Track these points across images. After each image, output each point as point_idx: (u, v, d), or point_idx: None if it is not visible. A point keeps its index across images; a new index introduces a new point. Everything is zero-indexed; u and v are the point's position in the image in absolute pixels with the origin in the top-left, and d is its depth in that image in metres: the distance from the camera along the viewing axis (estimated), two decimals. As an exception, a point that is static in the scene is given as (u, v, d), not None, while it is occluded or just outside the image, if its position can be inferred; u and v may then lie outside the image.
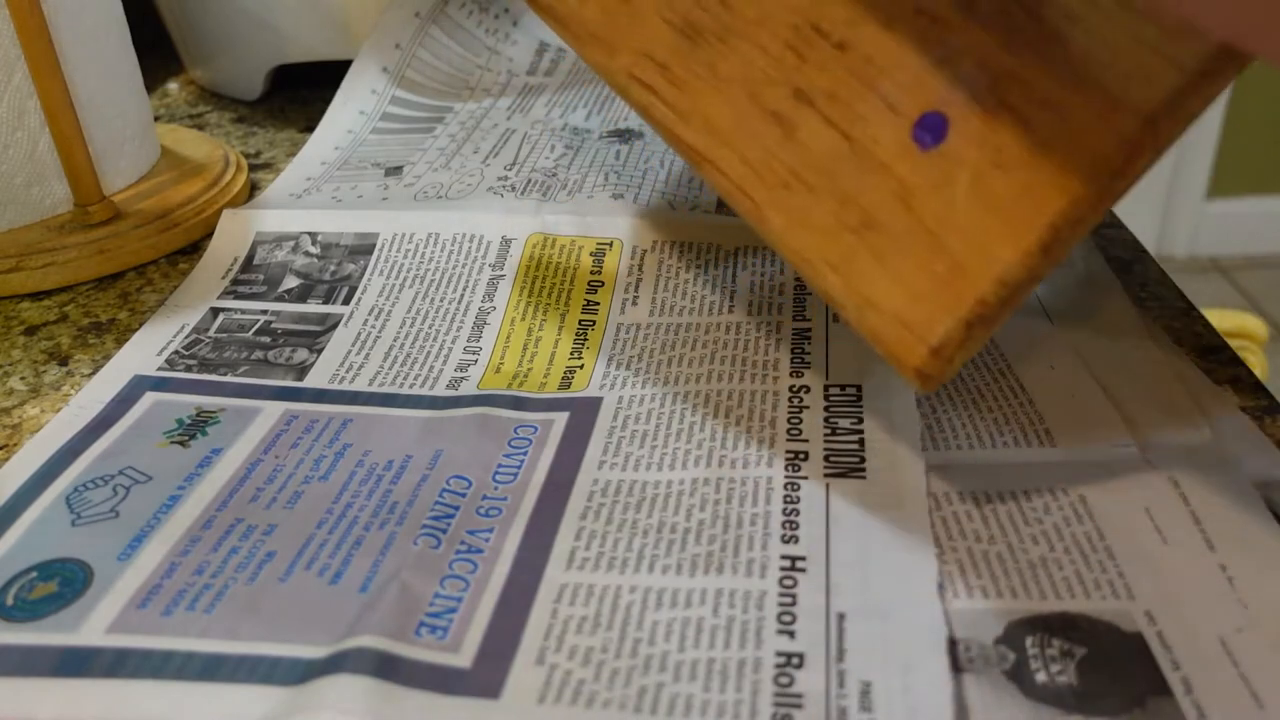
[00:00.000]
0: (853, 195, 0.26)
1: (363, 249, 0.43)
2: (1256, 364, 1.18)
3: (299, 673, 0.25)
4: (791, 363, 0.35)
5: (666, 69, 0.29)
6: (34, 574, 0.28)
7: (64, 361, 0.38)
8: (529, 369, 0.36)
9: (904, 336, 0.25)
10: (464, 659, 0.25)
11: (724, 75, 0.29)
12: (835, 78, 0.27)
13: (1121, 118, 0.23)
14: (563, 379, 0.35)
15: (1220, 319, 1.18)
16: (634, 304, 0.39)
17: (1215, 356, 0.35)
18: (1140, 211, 2.12)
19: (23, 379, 0.37)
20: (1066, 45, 0.24)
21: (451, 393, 0.35)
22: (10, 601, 0.27)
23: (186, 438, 0.33)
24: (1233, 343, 1.14)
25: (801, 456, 0.31)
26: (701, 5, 0.29)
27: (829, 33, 0.27)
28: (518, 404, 0.34)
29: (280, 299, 0.40)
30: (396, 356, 0.37)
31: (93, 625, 0.26)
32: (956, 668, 0.24)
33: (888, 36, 0.26)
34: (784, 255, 0.28)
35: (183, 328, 0.39)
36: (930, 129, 0.25)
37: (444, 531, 0.29)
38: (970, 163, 0.25)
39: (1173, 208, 2.13)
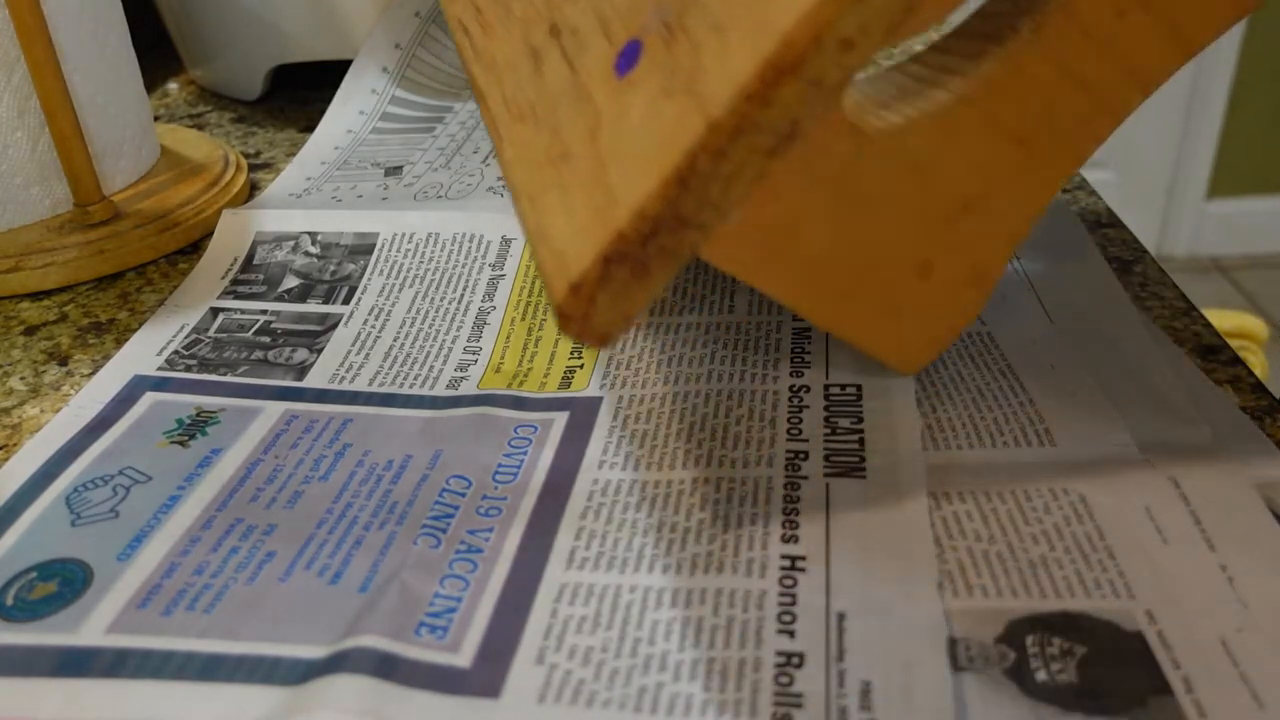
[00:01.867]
0: (563, 127, 0.25)
1: (363, 249, 0.43)
2: (1256, 364, 1.18)
3: (299, 673, 0.25)
4: (791, 362, 0.35)
5: (481, 13, 0.31)
6: (34, 574, 0.28)
7: (64, 361, 0.38)
8: (529, 369, 0.36)
9: (558, 270, 0.23)
10: (464, 659, 0.25)
11: (516, 16, 0.29)
12: (581, 10, 0.27)
13: (766, 39, 0.21)
14: (563, 379, 0.35)
15: (1220, 319, 1.18)
16: (634, 304, 0.39)
17: (1215, 356, 0.35)
18: (1140, 211, 2.12)
19: (22, 379, 0.37)
20: None
21: (451, 392, 0.35)
22: (10, 601, 0.27)
23: (186, 438, 0.33)
24: (1233, 343, 1.14)
25: (801, 456, 0.31)
26: None
27: None
28: (518, 404, 0.34)
29: (280, 299, 0.40)
30: (396, 356, 0.37)
31: (93, 625, 0.26)
32: (956, 667, 0.24)
33: None
34: (511, 192, 0.27)
35: (182, 328, 0.39)
36: (627, 56, 0.24)
37: (444, 531, 0.29)
38: (647, 89, 0.23)
39: (1173, 208, 2.13)
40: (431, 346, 0.38)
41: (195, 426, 0.34)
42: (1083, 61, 0.28)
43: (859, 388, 0.33)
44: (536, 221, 0.24)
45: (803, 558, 0.27)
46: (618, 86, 0.24)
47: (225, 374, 0.36)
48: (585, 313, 0.23)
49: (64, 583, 0.28)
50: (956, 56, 0.28)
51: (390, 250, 0.42)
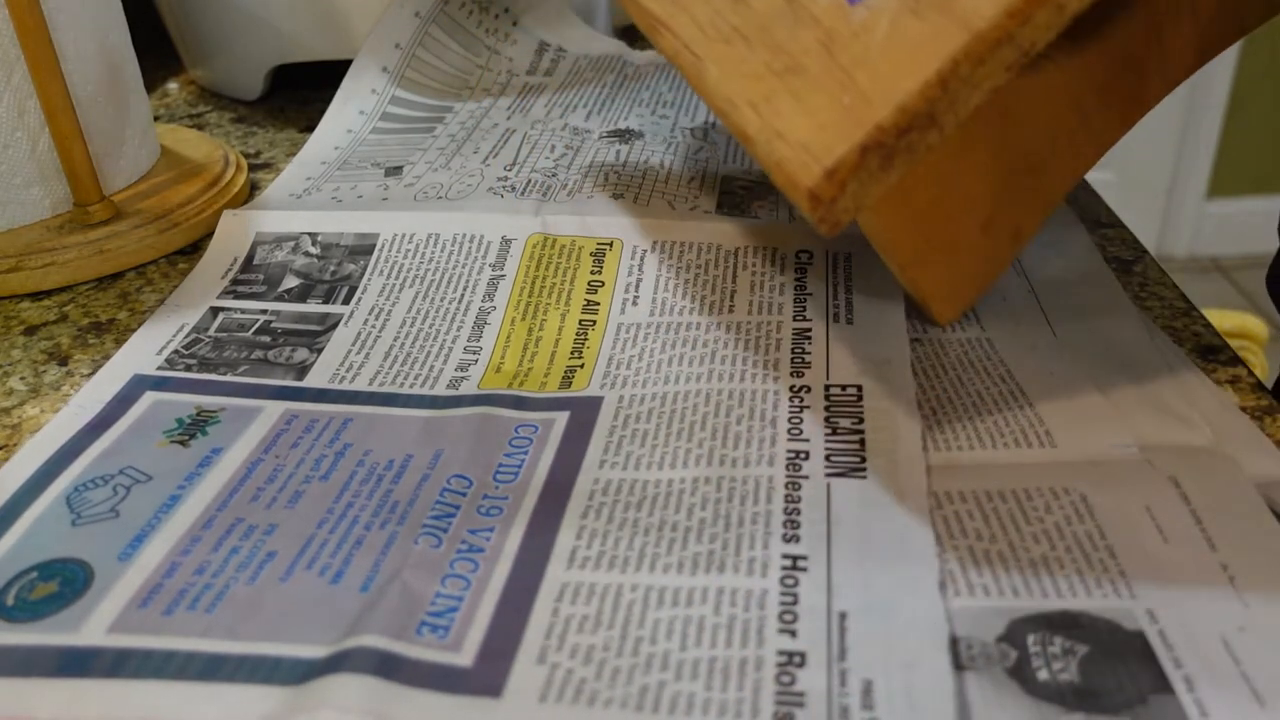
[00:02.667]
0: (783, 45, 0.29)
1: (363, 249, 0.43)
2: (1256, 364, 1.18)
3: (300, 672, 0.25)
4: (792, 362, 0.35)
5: None
6: (34, 574, 0.28)
7: (64, 361, 0.38)
8: (529, 368, 0.36)
9: (804, 160, 0.27)
10: (465, 658, 0.25)
11: None
12: None
13: None
14: (563, 378, 0.35)
15: (1220, 319, 1.18)
16: (634, 304, 0.39)
17: (1215, 356, 0.35)
18: (1140, 211, 2.12)
19: (23, 379, 0.37)
20: None
21: (452, 392, 0.35)
22: (11, 602, 0.27)
23: (187, 437, 0.33)
24: (1233, 343, 1.14)
25: (802, 456, 0.31)
26: None
27: None
28: (518, 403, 0.34)
29: (280, 299, 0.40)
30: (397, 356, 0.37)
31: (93, 625, 0.26)
32: (958, 666, 0.24)
33: None
34: (712, 102, 0.30)
35: (182, 327, 0.39)
36: None
37: (445, 531, 0.29)
38: (890, 10, 0.27)
39: (1173, 208, 2.13)
40: (432, 346, 0.38)
41: (195, 426, 0.33)
42: (1140, 49, 0.32)
43: (859, 388, 0.33)
44: (767, 124, 0.28)
45: (804, 557, 0.27)
46: (851, 10, 0.28)
47: (225, 373, 0.36)
48: (834, 196, 0.26)
49: (65, 583, 0.28)
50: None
51: (390, 250, 0.42)
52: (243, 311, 0.40)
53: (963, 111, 0.26)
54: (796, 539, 0.28)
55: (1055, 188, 0.34)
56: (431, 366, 0.37)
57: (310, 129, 0.57)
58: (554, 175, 0.47)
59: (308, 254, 0.43)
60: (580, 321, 0.38)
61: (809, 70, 0.28)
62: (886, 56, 0.27)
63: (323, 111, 0.54)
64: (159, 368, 0.37)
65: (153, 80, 0.66)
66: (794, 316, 0.37)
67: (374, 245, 0.43)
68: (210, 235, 0.45)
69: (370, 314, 0.39)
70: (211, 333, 0.39)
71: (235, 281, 0.41)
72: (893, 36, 0.27)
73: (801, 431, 0.32)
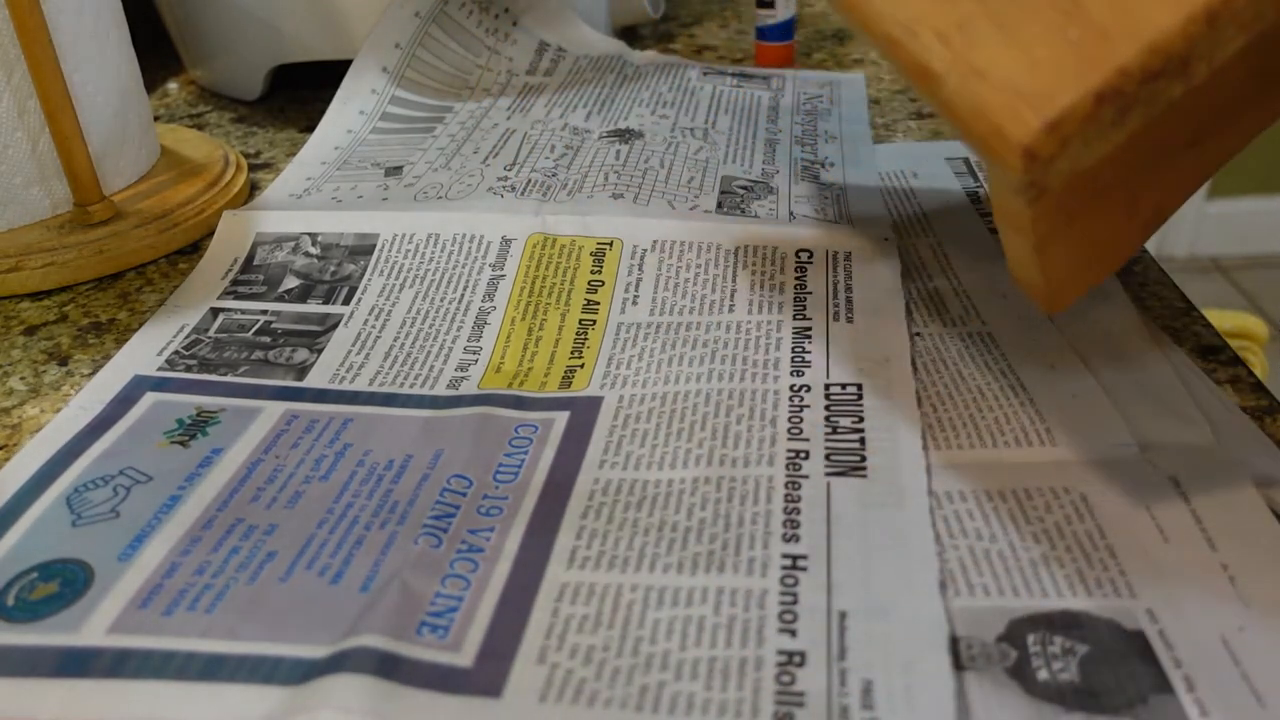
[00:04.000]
0: None
1: (363, 249, 0.43)
2: (1256, 364, 1.18)
3: (300, 672, 0.25)
4: (792, 362, 0.35)
5: None
6: (35, 574, 0.28)
7: (64, 361, 0.38)
8: (529, 368, 0.36)
9: (1015, 107, 0.21)
10: (465, 658, 0.25)
11: None
12: None
13: None
14: (563, 378, 0.35)
15: (1220, 319, 1.18)
16: (634, 304, 0.39)
17: (1215, 356, 0.35)
18: (1140, 211, 2.12)
19: (23, 379, 0.37)
20: None
21: (452, 392, 0.35)
22: (11, 602, 0.27)
23: (187, 438, 0.33)
24: (1233, 343, 1.14)
25: (802, 455, 0.31)
26: None
27: None
28: (518, 403, 0.34)
29: (280, 299, 0.40)
30: (397, 356, 0.37)
31: (94, 626, 0.26)
32: (958, 665, 0.24)
33: None
34: (880, 26, 0.24)
35: (183, 328, 0.39)
36: None
37: (445, 531, 0.29)
38: None
39: (1172, 208, 2.13)
40: (432, 346, 0.38)
41: (196, 426, 0.33)
42: None
43: (860, 387, 0.33)
44: (961, 58, 0.22)
45: (804, 556, 0.27)
46: None
47: (225, 374, 0.36)
48: (1053, 155, 0.21)
49: (65, 583, 0.28)
50: None
51: (390, 251, 0.42)
52: (243, 312, 0.40)
53: (1220, 58, 0.21)
54: (796, 539, 0.28)
55: (1210, 163, 0.29)
56: (431, 366, 0.37)
57: (310, 129, 0.57)
58: (554, 175, 0.47)
59: (308, 254, 0.43)
60: (580, 321, 0.38)
61: None
62: None
63: (323, 111, 0.54)
64: (159, 368, 0.37)
65: (153, 80, 0.66)
66: (794, 316, 0.37)
67: (374, 245, 0.43)
68: (210, 235, 0.45)
69: (370, 314, 0.39)
70: (212, 333, 0.39)
71: (235, 282, 0.41)
72: None
73: (801, 431, 0.32)
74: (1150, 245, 2.15)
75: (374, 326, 0.39)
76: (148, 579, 0.28)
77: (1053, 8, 0.22)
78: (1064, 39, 0.21)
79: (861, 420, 0.32)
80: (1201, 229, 2.13)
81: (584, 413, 0.33)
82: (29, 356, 0.38)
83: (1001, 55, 0.22)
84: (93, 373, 0.37)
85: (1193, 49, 0.21)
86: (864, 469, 0.30)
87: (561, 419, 0.33)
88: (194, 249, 0.45)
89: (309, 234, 0.43)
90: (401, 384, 0.36)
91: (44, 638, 0.26)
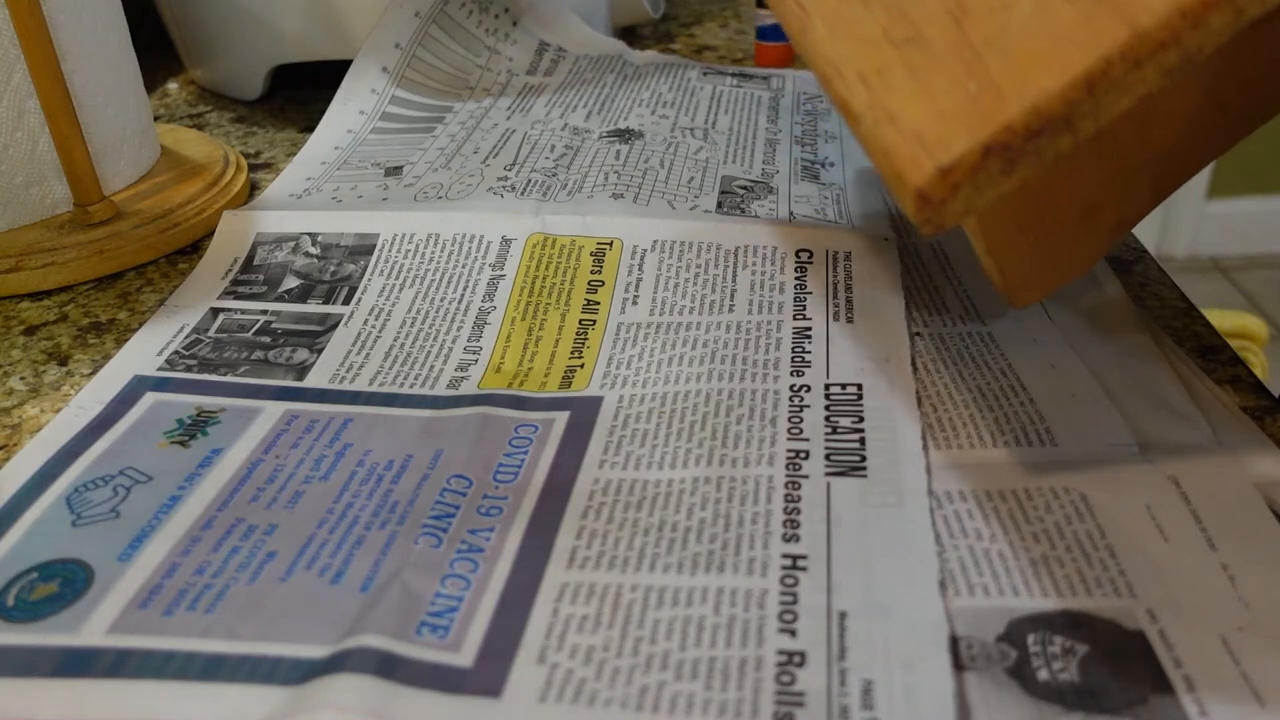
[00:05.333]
0: (906, 9, 0.26)
1: (363, 249, 0.43)
2: (1256, 364, 1.18)
3: (300, 672, 0.25)
4: (792, 362, 0.35)
5: None
6: (35, 574, 0.28)
7: (64, 361, 0.38)
8: (529, 368, 0.36)
9: (915, 153, 0.23)
10: (465, 658, 0.25)
11: None
12: None
13: None
14: (563, 378, 0.35)
15: (1220, 319, 1.18)
16: (634, 304, 0.39)
17: (1215, 356, 0.35)
18: (1140, 211, 2.12)
19: (23, 379, 0.37)
20: None
21: (452, 392, 0.35)
22: (11, 602, 0.27)
23: (187, 438, 0.33)
24: (1233, 343, 1.14)
25: (802, 455, 0.31)
26: None
27: None
28: (518, 403, 0.34)
29: (280, 299, 0.40)
30: (397, 356, 0.37)
31: (94, 626, 0.26)
32: (958, 665, 0.24)
33: None
34: (814, 65, 0.27)
35: (183, 328, 0.39)
36: None
37: (445, 531, 0.29)
38: None
39: (1173, 208, 2.13)
40: (432, 346, 0.38)
41: (196, 426, 0.33)
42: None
43: (859, 387, 0.33)
44: (878, 101, 0.24)
45: (804, 557, 0.27)
46: None
47: (225, 374, 0.36)
48: (945, 198, 0.23)
49: (65, 583, 0.28)
50: None
51: (390, 251, 0.42)
52: (243, 312, 0.40)
53: (1105, 118, 0.22)
54: (796, 538, 0.28)
55: (1175, 178, 0.31)
56: (431, 366, 0.37)
57: (310, 129, 0.57)
58: (554, 175, 0.47)
59: (308, 254, 0.43)
60: (580, 321, 0.38)
61: (933, 44, 0.24)
62: (1027, 42, 0.23)
63: (323, 111, 0.54)
64: (159, 368, 0.37)
65: (153, 80, 0.66)
66: (794, 316, 0.37)
67: (374, 245, 0.43)
68: (210, 235, 0.45)
69: (370, 314, 0.39)
70: (212, 333, 0.39)
71: (235, 282, 0.41)
72: (1037, 18, 0.23)
73: (801, 431, 0.32)
74: (1150, 245, 2.15)
75: (374, 326, 0.39)
76: (148, 579, 0.28)
77: (959, 61, 0.24)
78: (965, 92, 0.23)
79: (861, 420, 0.32)
80: (1201, 229, 2.13)
81: (584, 413, 0.33)
82: (29, 356, 0.38)
83: (910, 102, 0.24)
84: (93, 373, 0.37)
85: (1073, 111, 0.22)
86: (864, 469, 0.30)
87: (561, 419, 0.33)
88: (194, 249, 0.45)
89: (309, 234, 0.43)
90: (401, 384, 0.36)
91: (44, 638, 0.26)
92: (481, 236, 0.42)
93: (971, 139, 0.23)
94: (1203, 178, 2.09)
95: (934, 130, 0.23)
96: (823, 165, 0.49)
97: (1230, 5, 0.21)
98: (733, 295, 0.38)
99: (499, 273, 0.41)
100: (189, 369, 0.36)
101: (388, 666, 0.24)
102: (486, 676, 0.25)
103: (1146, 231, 2.14)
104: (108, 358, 0.38)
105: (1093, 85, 0.22)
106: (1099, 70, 0.22)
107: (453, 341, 0.38)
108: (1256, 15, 0.22)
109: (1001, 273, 0.31)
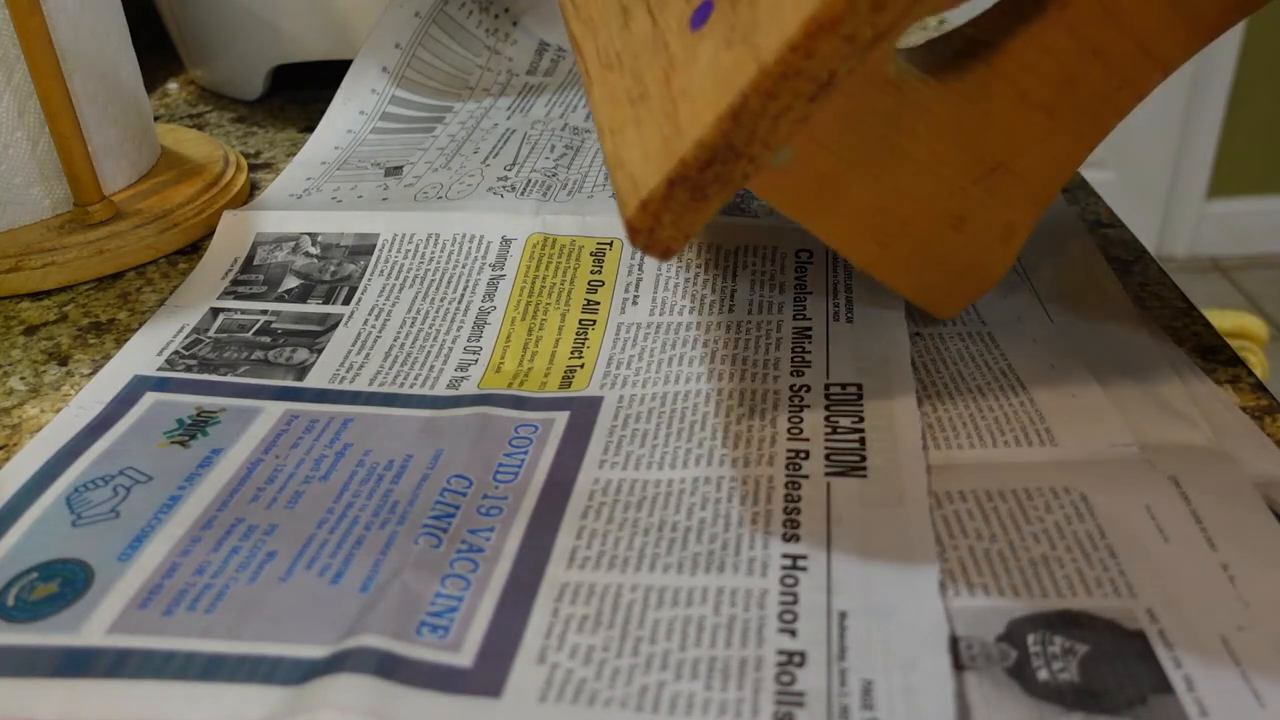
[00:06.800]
0: (642, 72, 0.29)
1: (363, 249, 0.43)
2: (1256, 364, 1.18)
3: (300, 672, 0.25)
4: (792, 362, 0.35)
5: None
6: (35, 574, 0.28)
7: (64, 361, 0.38)
8: (529, 368, 0.36)
9: (629, 192, 0.27)
10: (465, 658, 0.25)
11: None
12: None
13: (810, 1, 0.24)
14: (563, 378, 0.35)
15: (1220, 319, 1.18)
16: (634, 304, 0.39)
17: (1215, 356, 0.35)
18: (1140, 211, 2.12)
19: (23, 379, 0.37)
20: None
21: (452, 392, 0.35)
22: (11, 602, 0.27)
23: (187, 438, 0.33)
24: (1233, 343, 1.14)
25: (802, 455, 0.31)
26: None
27: None
28: (518, 403, 0.34)
29: (280, 299, 0.40)
30: (397, 356, 0.37)
31: (94, 626, 0.26)
32: (958, 665, 0.24)
33: None
34: (595, 122, 0.30)
35: (183, 328, 0.39)
36: (701, 12, 0.28)
37: (445, 531, 0.29)
38: (713, 40, 0.27)
39: (1173, 208, 2.13)
40: (432, 346, 0.38)
41: (196, 426, 0.34)
42: (1101, 38, 0.31)
43: (859, 387, 0.33)
44: (615, 151, 0.28)
45: (804, 556, 0.27)
46: (691, 38, 0.28)
47: (225, 374, 0.36)
48: (651, 227, 0.26)
49: (65, 583, 0.28)
50: (989, 30, 0.31)
51: (390, 251, 0.42)
52: (243, 312, 0.40)
53: (775, 141, 0.25)
54: (796, 538, 0.28)
55: (1038, 185, 0.33)
56: (431, 367, 0.37)
57: (310, 129, 0.57)
58: (554, 175, 0.47)
59: (308, 254, 0.43)
60: (580, 321, 0.38)
61: (651, 99, 0.28)
62: (701, 87, 0.26)
63: (323, 111, 0.54)
64: (159, 368, 0.37)
65: (153, 80, 0.66)
66: (794, 316, 0.37)
67: (374, 245, 0.43)
68: (210, 235, 0.45)
69: (370, 314, 0.39)
70: (212, 333, 0.39)
71: (235, 282, 0.41)
72: (710, 66, 0.26)
73: (801, 431, 0.32)
74: (1150, 245, 2.15)
75: (374, 326, 0.39)
76: (148, 579, 0.28)
77: (663, 111, 0.27)
78: (662, 136, 0.27)
79: (861, 420, 0.32)
80: (1201, 229, 2.13)
81: (584, 413, 0.33)
82: (29, 356, 0.38)
83: (633, 150, 0.27)
84: (93, 373, 0.37)
85: (732, 140, 0.25)
86: (864, 469, 0.30)
87: (561, 419, 0.33)
88: (194, 249, 0.45)
89: (309, 234, 0.43)
90: (401, 384, 0.36)
91: (44, 638, 0.26)
92: (481, 236, 0.42)
93: (659, 175, 0.26)
94: (1203, 178, 2.09)
95: (641, 171, 0.27)
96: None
97: (835, 33, 0.23)
98: (733, 295, 0.39)
99: (499, 273, 0.41)
100: (189, 369, 0.36)
101: (388, 666, 0.24)
102: (486, 676, 0.25)
103: (1146, 231, 2.14)
104: (108, 358, 0.38)
105: (738, 117, 0.25)
106: (740, 104, 0.24)
107: (453, 341, 0.38)
108: (870, 40, 0.24)
109: (913, 293, 0.34)
